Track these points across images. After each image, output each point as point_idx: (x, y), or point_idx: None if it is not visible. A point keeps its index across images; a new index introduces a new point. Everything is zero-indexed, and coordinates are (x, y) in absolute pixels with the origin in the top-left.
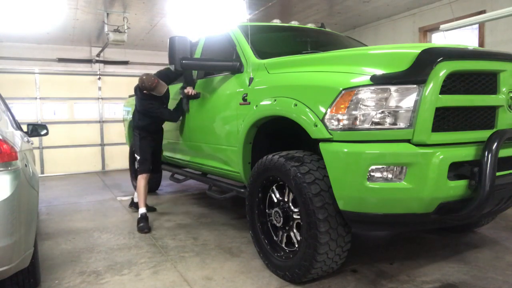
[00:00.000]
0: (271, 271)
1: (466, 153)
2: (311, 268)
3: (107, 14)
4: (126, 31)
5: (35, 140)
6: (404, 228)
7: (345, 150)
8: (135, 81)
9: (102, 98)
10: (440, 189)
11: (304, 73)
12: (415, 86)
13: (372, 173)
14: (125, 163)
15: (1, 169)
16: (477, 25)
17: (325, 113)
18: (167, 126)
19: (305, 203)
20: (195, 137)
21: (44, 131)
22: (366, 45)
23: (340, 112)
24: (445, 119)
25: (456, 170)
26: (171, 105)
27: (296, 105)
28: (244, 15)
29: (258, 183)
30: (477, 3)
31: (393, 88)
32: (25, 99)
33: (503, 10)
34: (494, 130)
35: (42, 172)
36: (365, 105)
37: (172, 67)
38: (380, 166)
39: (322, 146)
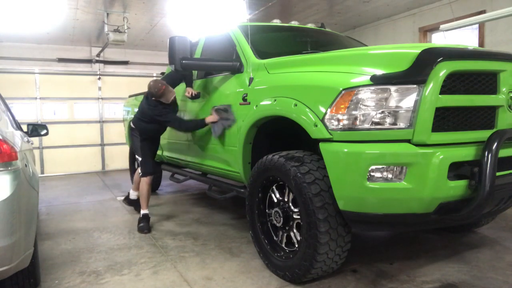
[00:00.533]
0: (271, 271)
1: (466, 153)
2: (311, 268)
3: (107, 14)
4: (126, 31)
5: (35, 140)
6: (404, 228)
7: (345, 150)
8: (135, 81)
9: (102, 98)
10: (440, 189)
11: (304, 73)
12: (415, 86)
13: (372, 173)
14: (125, 163)
15: (1, 169)
16: (477, 25)
17: (325, 113)
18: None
19: (305, 203)
20: (195, 137)
21: (44, 131)
22: (366, 45)
23: (340, 112)
24: (445, 119)
25: (456, 170)
26: (181, 106)
27: (296, 105)
28: (244, 15)
29: (258, 183)
30: (477, 3)
31: (393, 88)
32: (25, 99)
33: (503, 10)
34: (494, 130)
35: (42, 172)
36: (365, 105)
37: (172, 67)
38: (380, 166)
39: (322, 146)
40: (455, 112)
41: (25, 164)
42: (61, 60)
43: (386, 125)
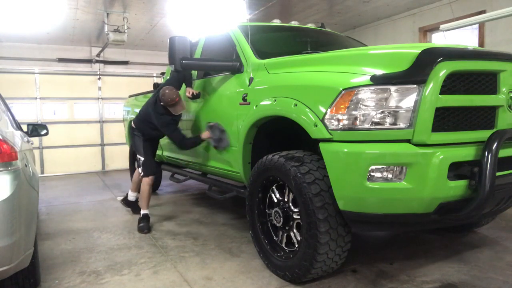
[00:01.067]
0: (271, 271)
1: (466, 153)
2: (311, 268)
3: (107, 14)
4: (126, 31)
5: (35, 140)
6: (404, 228)
7: (345, 150)
8: (135, 81)
9: (102, 98)
10: (440, 189)
11: (304, 73)
12: (415, 86)
13: (372, 173)
14: (125, 163)
15: (1, 169)
16: (477, 25)
17: (325, 113)
18: None
19: (305, 203)
20: None
21: (44, 131)
22: (366, 45)
23: (340, 112)
24: (445, 119)
25: (456, 170)
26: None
27: (296, 105)
28: (244, 15)
29: (258, 183)
30: (477, 3)
31: (393, 88)
32: (25, 99)
33: (503, 10)
34: (494, 130)
35: (42, 172)
36: (365, 105)
37: (172, 67)
38: (380, 166)
39: (322, 146)
40: (455, 112)
41: (25, 164)
42: (61, 60)
43: (386, 125)
